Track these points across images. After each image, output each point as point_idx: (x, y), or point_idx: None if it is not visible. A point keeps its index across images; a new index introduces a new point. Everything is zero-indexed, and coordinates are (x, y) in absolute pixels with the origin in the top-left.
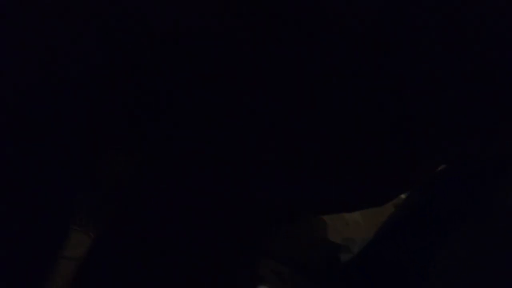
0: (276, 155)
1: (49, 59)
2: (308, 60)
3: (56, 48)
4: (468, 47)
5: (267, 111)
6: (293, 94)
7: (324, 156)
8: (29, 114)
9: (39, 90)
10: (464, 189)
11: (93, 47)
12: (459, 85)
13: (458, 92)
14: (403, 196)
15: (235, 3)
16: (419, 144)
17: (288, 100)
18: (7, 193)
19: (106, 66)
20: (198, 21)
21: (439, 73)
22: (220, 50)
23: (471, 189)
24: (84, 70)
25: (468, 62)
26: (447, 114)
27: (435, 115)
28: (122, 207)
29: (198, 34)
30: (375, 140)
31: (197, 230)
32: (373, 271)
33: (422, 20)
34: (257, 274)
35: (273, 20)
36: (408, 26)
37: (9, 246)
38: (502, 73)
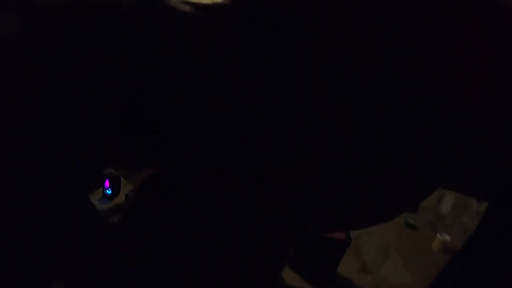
0: (275, 155)
1: (48, 61)
2: (311, 62)
3: (55, 50)
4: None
5: (269, 111)
6: (294, 95)
7: (327, 159)
8: (30, 114)
9: (39, 91)
10: None
11: (94, 50)
12: (461, 90)
13: (460, 98)
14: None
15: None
16: (420, 146)
17: (290, 101)
18: (10, 195)
19: (106, 67)
20: (199, 22)
21: (442, 79)
22: (222, 50)
23: None
24: (84, 71)
25: (470, 67)
26: (447, 119)
27: (438, 120)
28: (125, 207)
29: (200, 36)
30: (377, 143)
31: (198, 230)
32: None
33: (426, 28)
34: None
35: (277, 24)
36: (412, 33)
37: (10, 247)
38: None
